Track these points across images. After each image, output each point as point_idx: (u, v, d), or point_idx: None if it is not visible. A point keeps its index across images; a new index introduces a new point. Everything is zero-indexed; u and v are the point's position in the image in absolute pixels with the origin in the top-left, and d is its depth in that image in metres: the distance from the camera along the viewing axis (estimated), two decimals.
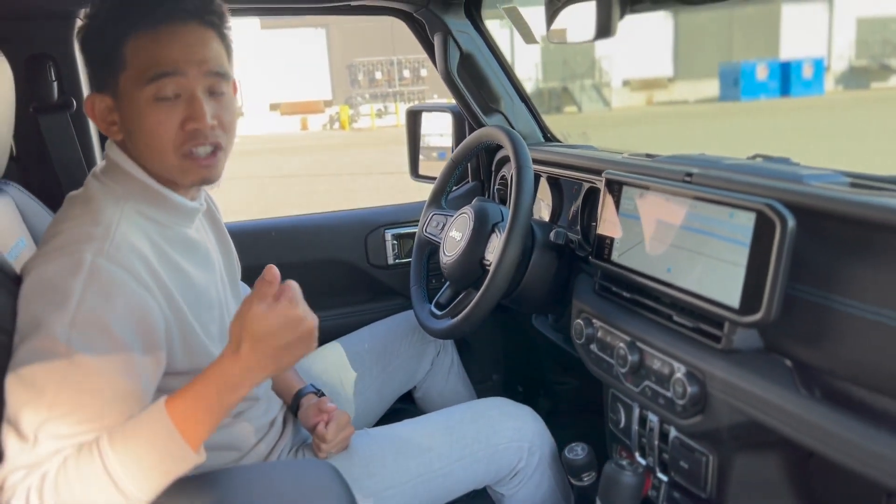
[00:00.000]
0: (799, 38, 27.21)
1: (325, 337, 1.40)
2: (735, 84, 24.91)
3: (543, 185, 1.69)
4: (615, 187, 1.23)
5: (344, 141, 18.84)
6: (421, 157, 2.13)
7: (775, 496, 1.01)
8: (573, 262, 1.46)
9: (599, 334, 1.24)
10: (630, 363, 1.12)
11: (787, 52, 26.72)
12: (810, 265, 0.90)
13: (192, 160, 1.00)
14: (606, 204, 1.25)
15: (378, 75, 28.63)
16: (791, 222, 0.87)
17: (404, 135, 2.16)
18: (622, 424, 1.24)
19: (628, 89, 28.01)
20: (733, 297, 0.93)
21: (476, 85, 1.88)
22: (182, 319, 1.01)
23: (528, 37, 1.72)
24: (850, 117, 17.32)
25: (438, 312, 1.56)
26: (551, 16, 1.22)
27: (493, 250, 1.42)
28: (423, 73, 28.58)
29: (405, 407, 1.73)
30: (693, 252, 1.03)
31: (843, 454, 0.80)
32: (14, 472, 0.82)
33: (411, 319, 1.68)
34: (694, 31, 28.12)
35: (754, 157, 1.19)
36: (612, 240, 1.22)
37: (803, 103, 21.87)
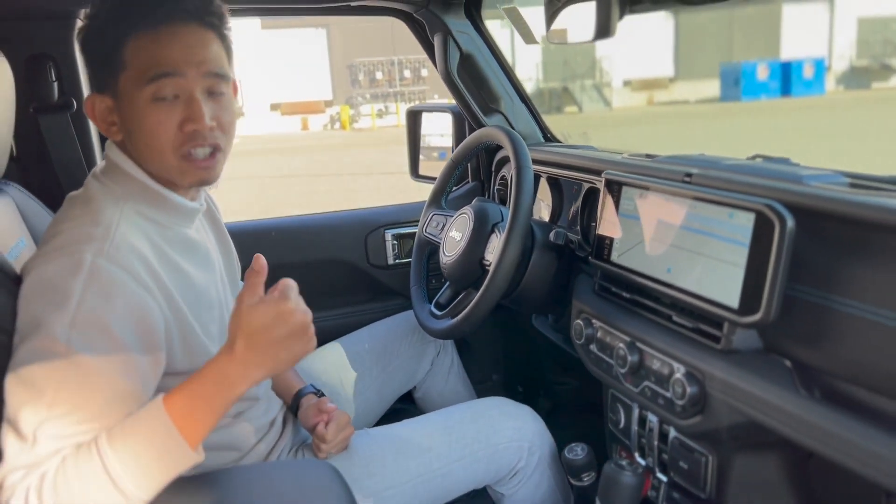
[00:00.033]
0: (800, 38, 27.20)
1: (324, 337, 1.40)
2: (736, 84, 24.91)
3: (543, 186, 1.69)
4: (615, 187, 1.23)
5: (344, 141, 18.84)
6: (421, 157, 2.13)
7: (775, 496, 1.01)
8: (573, 262, 1.46)
9: (599, 334, 1.24)
10: (629, 363, 1.12)
11: (787, 52, 26.71)
12: (810, 265, 0.90)
13: (190, 162, 1.00)
14: (606, 204, 1.25)
15: (379, 75, 28.64)
16: (790, 223, 0.87)
17: (405, 135, 2.16)
18: (622, 425, 1.24)
19: (629, 89, 28.01)
20: (733, 298, 0.94)
21: (476, 85, 1.88)
22: (182, 320, 1.01)
23: (528, 37, 1.72)
24: (852, 117, 17.31)
25: (438, 312, 1.56)
26: (551, 16, 1.22)
27: (493, 250, 1.42)
28: (424, 73, 28.59)
29: (405, 407, 1.73)
30: (692, 252, 1.03)
31: (843, 454, 0.80)
32: (13, 472, 0.82)
33: (411, 319, 1.68)
34: (695, 32, 28.12)
35: (754, 157, 1.19)
36: (611, 240, 1.22)
37: (804, 103, 21.87)
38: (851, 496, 0.91)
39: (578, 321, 1.29)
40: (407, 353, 1.68)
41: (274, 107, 27.48)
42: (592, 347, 1.26)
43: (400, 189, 9.25)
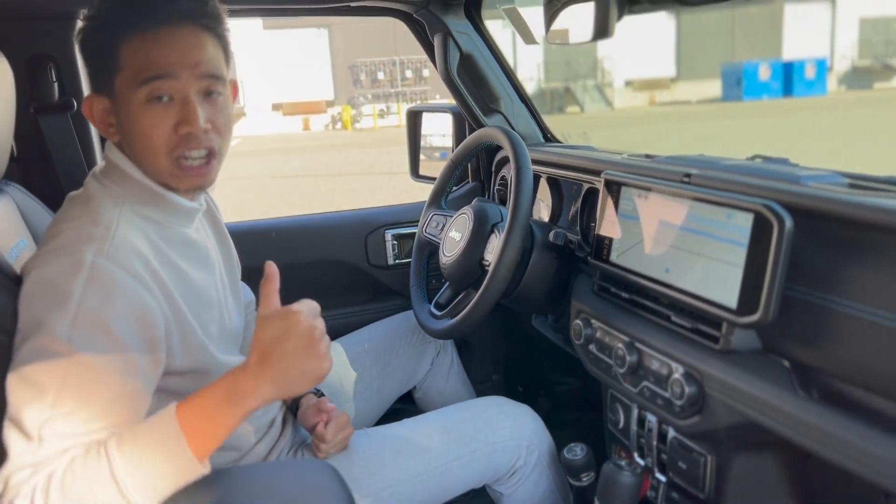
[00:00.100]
0: (802, 39, 27.17)
1: None
2: (738, 84, 24.89)
3: (543, 186, 1.69)
4: (614, 188, 1.23)
5: (346, 141, 18.84)
6: (423, 157, 2.13)
7: (773, 497, 1.01)
8: (572, 262, 1.46)
9: (598, 335, 1.24)
10: (628, 363, 1.12)
11: (789, 53, 26.68)
12: (808, 266, 0.90)
13: (184, 169, 1.00)
14: (605, 204, 1.25)
15: (380, 75, 28.65)
16: (788, 223, 0.87)
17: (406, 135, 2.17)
18: (621, 425, 1.24)
19: (631, 89, 28.00)
20: (731, 298, 0.94)
21: (476, 85, 1.88)
22: (182, 319, 1.01)
23: (528, 37, 1.72)
24: (854, 117, 17.29)
25: (438, 313, 1.56)
26: (550, 17, 1.22)
27: (493, 251, 1.42)
28: (426, 73, 28.59)
29: (405, 407, 1.73)
30: (691, 253, 1.03)
31: (841, 455, 0.80)
32: (19, 472, 0.82)
33: (411, 320, 1.68)
34: (696, 32, 28.10)
35: (753, 157, 1.19)
36: (610, 240, 1.22)
37: (806, 103, 21.85)
38: (850, 496, 0.91)
39: (577, 321, 1.29)
40: (407, 353, 1.68)
41: (276, 107, 27.50)
42: (591, 347, 1.26)
43: (402, 189, 9.26)
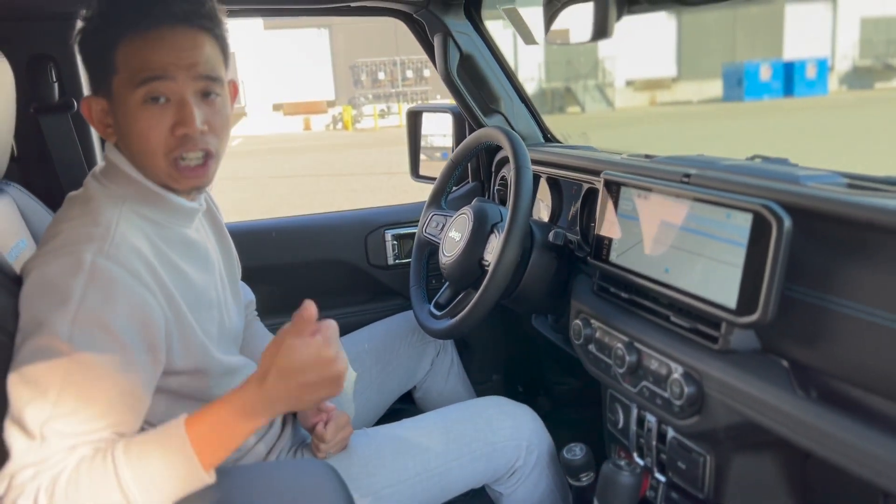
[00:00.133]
0: (803, 38, 27.14)
1: None
2: (739, 84, 24.86)
3: (543, 186, 1.69)
4: (613, 188, 1.23)
5: (347, 141, 18.84)
6: (424, 157, 2.13)
7: (772, 497, 1.01)
8: (572, 262, 1.46)
9: (598, 335, 1.24)
10: (628, 363, 1.12)
11: (790, 53, 26.65)
12: (807, 266, 0.90)
13: (181, 170, 1.00)
14: (605, 205, 1.25)
15: (381, 76, 28.63)
16: (787, 223, 0.87)
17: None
18: (620, 425, 1.24)
19: (632, 89, 27.97)
20: (730, 298, 0.94)
21: (476, 86, 1.88)
22: (181, 319, 1.01)
23: (528, 37, 1.72)
24: (855, 117, 17.28)
25: (438, 313, 1.56)
26: (550, 17, 1.22)
27: (492, 251, 1.42)
28: (426, 73, 28.57)
29: (405, 407, 1.73)
30: (690, 253, 1.03)
31: (839, 455, 0.80)
32: (22, 471, 0.82)
33: (411, 320, 1.68)
34: (697, 32, 28.07)
35: (753, 157, 1.19)
36: (610, 240, 1.22)
37: (807, 103, 21.82)
38: (849, 496, 0.91)
39: (577, 321, 1.29)
40: (406, 353, 1.69)
41: (276, 107, 27.50)
42: (591, 347, 1.26)
43: (402, 189, 9.26)
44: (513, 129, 1.89)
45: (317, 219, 2.04)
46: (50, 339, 0.85)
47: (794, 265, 0.89)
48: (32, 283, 0.91)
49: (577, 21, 1.12)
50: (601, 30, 1.02)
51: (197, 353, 1.04)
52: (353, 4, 1.74)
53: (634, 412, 1.20)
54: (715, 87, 25.89)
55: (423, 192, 1.83)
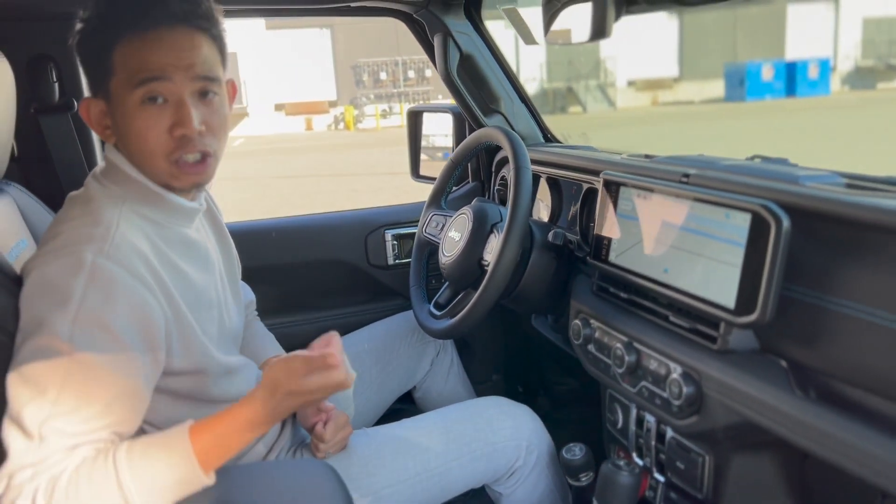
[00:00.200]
0: (805, 39, 27.10)
1: None
2: (740, 84, 24.82)
3: (543, 186, 1.69)
4: (613, 188, 1.23)
5: (349, 141, 18.83)
6: (425, 157, 2.13)
7: (771, 497, 1.01)
8: (572, 262, 1.46)
9: (597, 335, 1.24)
10: (627, 363, 1.12)
11: (792, 53, 26.61)
12: (805, 266, 0.90)
13: (181, 167, 1.01)
14: (604, 205, 1.25)
15: (383, 76, 28.61)
16: (786, 223, 0.87)
17: None
18: (620, 425, 1.24)
19: (633, 90, 27.94)
20: (729, 298, 0.94)
21: (476, 86, 1.88)
22: (181, 319, 1.01)
23: (528, 38, 1.72)
24: (857, 118, 17.25)
25: (437, 313, 1.56)
26: (549, 17, 1.22)
27: (492, 251, 1.42)
28: (428, 73, 28.54)
29: (405, 407, 1.73)
30: (689, 253, 1.03)
31: (838, 455, 0.80)
32: (20, 471, 0.82)
33: (411, 320, 1.68)
34: (699, 32, 28.04)
35: (753, 157, 1.19)
36: (609, 240, 1.22)
37: (809, 104, 21.79)
38: (847, 496, 0.91)
39: (576, 321, 1.29)
40: (406, 353, 1.69)
41: (278, 107, 27.51)
42: (590, 347, 1.26)
43: (404, 190, 9.25)
44: (513, 129, 1.89)
45: (317, 219, 2.04)
46: (50, 339, 0.86)
47: (793, 265, 0.89)
48: (33, 283, 0.91)
49: (577, 21, 1.12)
50: (599, 30, 1.02)
51: (197, 353, 1.04)
52: (352, 4, 1.74)
53: (634, 412, 1.20)
54: (717, 88, 25.85)
55: (424, 192, 1.83)
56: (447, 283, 1.59)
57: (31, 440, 0.83)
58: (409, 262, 1.73)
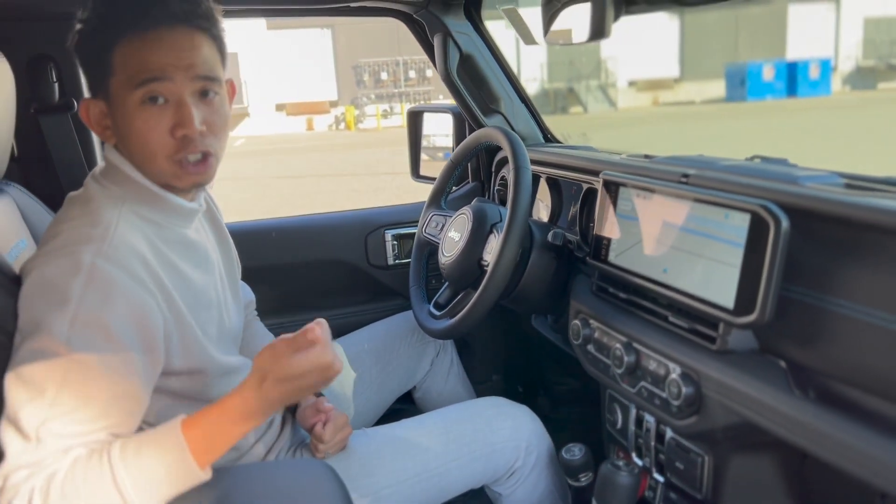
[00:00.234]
0: (805, 39, 27.08)
1: None
2: (741, 84, 24.81)
3: (543, 186, 1.69)
4: (612, 188, 1.23)
5: (350, 141, 18.84)
6: (426, 157, 2.13)
7: (770, 497, 1.01)
8: (571, 262, 1.46)
9: (596, 335, 1.24)
10: (626, 364, 1.12)
11: (793, 53, 26.59)
12: (805, 266, 0.90)
13: (182, 166, 1.01)
14: (604, 205, 1.25)
15: (384, 76, 28.61)
16: (785, 223, 0.87)
17: None
18: (619, 425, 1.24)
19: (634, 90, 27.94)
20: (728, 298, 0.94)
21: (476, 86, 1.88)
22: (180, 320, 1.01)
23: (528, 38, 1.72)
24: (858, 118, 17.24)
25: (437, 313, 1.56)
26: (549, 17, 1.22)
27: (491, 251, 1.42)
28: (429, 73, 28.53)
29: (404, 407, 1.73)
30: (689, 253, 1.03)
31: (837, 455, 0.80)
32: (16, 472, 0.82)
33: (411, 320, 1.68)
34: (700, 32, 28.02)
35: (752, 157, 1.19)
36: (609, 240, 1.22)
37: (810, 104, 21.78)
38: (846, 497, 0.91)
39: (576, 321, 1.29)
40: (406, 353, 1.69)
41: (279, 107, 27.52)
42: (590, 348, 1.26)
43: (405, 190, 9.26)
44: (513, 129, 1.89)
45: (317, 219, 2.04)
46: (48, 340, 0.85)
47: (792, 265, 0.89)
48: (32, 283, 0.91)
49: (576, 21, 1.13)
50: (599, 30, 1.02)
51: (196, 354, 1.04)
52: (352, 5, 1.74)
53: (633, 412, 1.20)
54: (718, 88, 25.84)
55: (424, 192, 1.83)
56: (447, 283, 1.59)
57: (28, 442, 0.83)
58: (409, 262, 1.73)
